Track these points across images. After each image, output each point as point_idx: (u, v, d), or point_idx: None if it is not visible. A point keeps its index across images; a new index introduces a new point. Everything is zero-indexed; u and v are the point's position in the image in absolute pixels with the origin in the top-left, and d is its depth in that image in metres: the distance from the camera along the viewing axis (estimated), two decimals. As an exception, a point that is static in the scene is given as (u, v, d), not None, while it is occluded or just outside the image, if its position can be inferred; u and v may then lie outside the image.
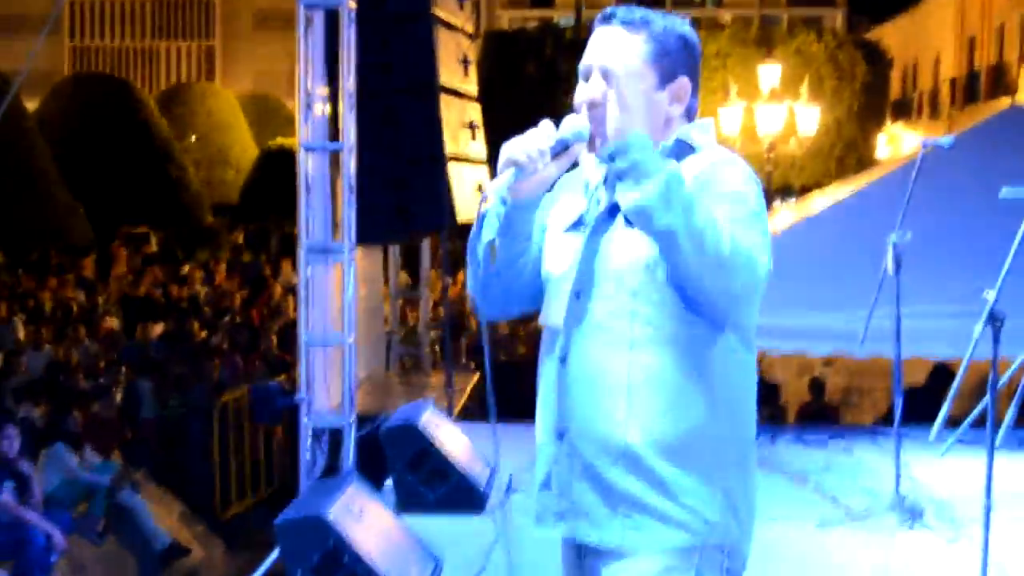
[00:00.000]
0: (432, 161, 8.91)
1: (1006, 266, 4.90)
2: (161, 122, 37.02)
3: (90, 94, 35.89)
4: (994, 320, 4.96)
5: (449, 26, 9.42)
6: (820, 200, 12.32)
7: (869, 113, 31.64)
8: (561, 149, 2.98)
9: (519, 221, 3.10)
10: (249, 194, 39.39)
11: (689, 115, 3.10)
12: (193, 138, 42.82)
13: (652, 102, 3.04)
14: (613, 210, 2.98)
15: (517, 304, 3.23)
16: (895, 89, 43.51)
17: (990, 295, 4.98)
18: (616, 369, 2.92)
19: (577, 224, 3.10)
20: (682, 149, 3.03)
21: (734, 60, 28.83)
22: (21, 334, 16.60)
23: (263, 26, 73.06)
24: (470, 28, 10.12)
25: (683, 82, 3.06)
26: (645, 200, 2.71)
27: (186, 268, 25.10)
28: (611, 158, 2.78)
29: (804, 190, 26.31)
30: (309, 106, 7.74)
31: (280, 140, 39.97)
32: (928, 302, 8.16)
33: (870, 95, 31.43)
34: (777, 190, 28.49)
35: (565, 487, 3.00)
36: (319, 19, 7.81)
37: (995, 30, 37.92)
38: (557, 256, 3.12)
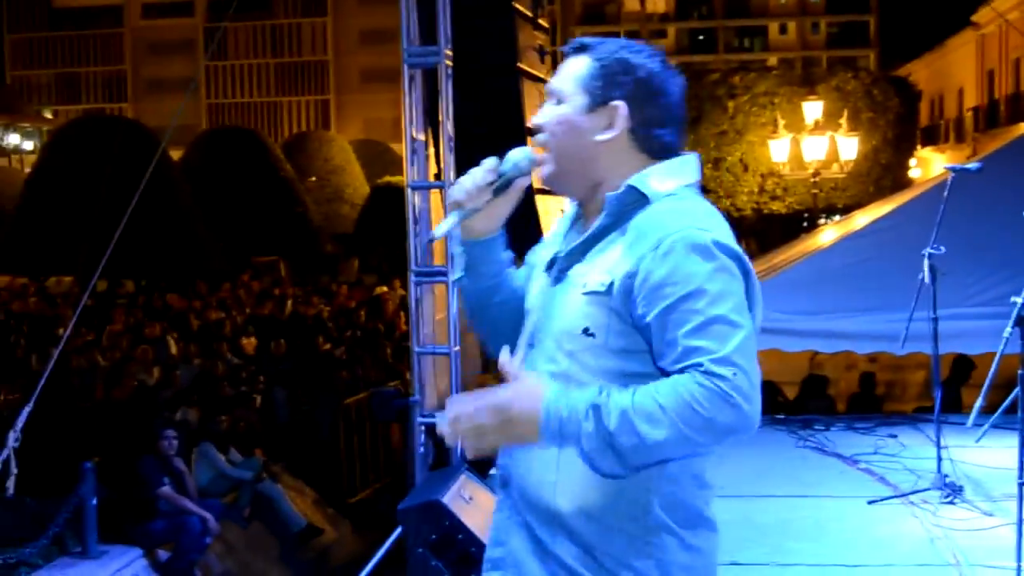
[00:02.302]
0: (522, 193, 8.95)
1: (1031, 273, 4.86)
2: (286, 166, 37.51)
3: (225, 144, 36.48)
4: (1021, 321, 4.92)
5: (533, 77, 9.46)
6: (861, 218, 12.20)
7: (901, 140, 31.32)
8: (503, 184, 2.63)
9: (480, 260, 2.71)
10: (362, 225, 39.74)
11: (655, 147, 2.55)
12: (313, 179, 43.28)
13: (575, 127, 2.55)
14: (569, 263, 2.58)
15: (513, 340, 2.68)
16: (924, 118, 43.04)
17: (1018, 300, 4.94)
18: None
19: (548, 265, 2.67)
20: (633, 199, 2.49)
21: (781, 98, 28.71)
22: (173, 350, 16.86)
23: (369, 80, 73.95)
24: (549, 78, 10.18)
25: (615, 107, 2.51)
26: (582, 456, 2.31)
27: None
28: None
29: (847, 209, 26.07)
30: (414, 151, 7.83)
31: (387, 178, 40.31)
32: (960, 306, 8.08)
33: (902, 124, 31.11)
34: (822, 209, 28.33)
35: (504, 535, 2.59)
36: (420, 76, 7.90)
37: (1012, 63, 37.34)
38: (530, 298, 2.69)
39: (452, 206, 2.60)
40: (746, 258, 2.42)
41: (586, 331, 2.45)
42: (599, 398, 2.28)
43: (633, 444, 2.24)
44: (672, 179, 2.51)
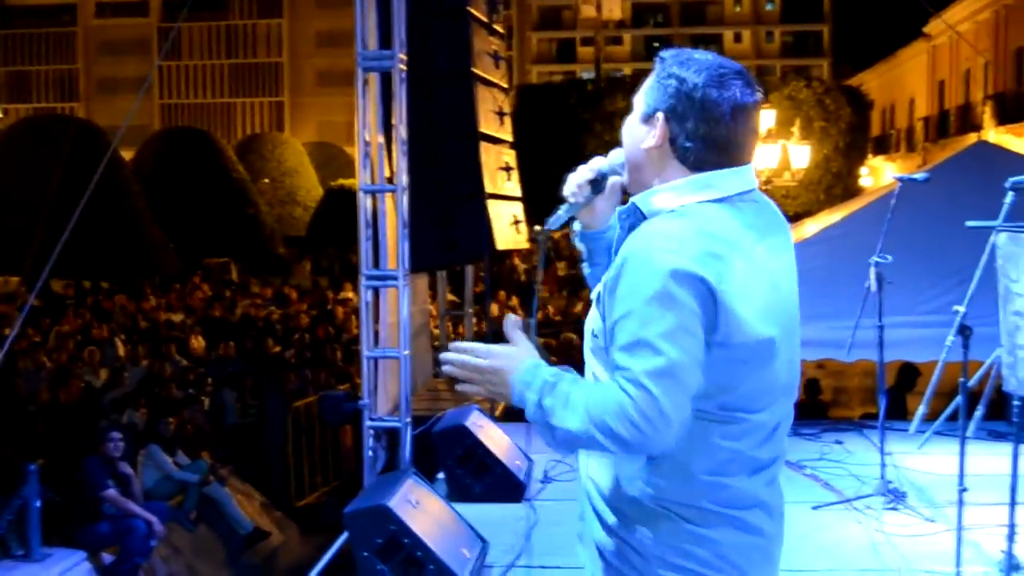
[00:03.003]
0: (473, 198, 8.95)
1: (973, 284, 4.91)
2: (238, 168, 37.34)
3: (177, 145, 36.29)
4: (964, 330, 4.98)
5: (487, 82, 9.47)
6: (811, 226, 12.30)
7: (853, 149, 31.59)
8: (597, 181, 2.85)
9: (595, 250, 2.96)
10: (315, 228, 39.67)
11: (691, 160, 2.61)
12: (266, 181, 43.12)
13: (631, 134, 2.72)
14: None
15: None
16: (875, 127, 43.43)
17: (960, 309, 4.99)
18: None
19: None
20: (638, 214, 2.66)
21: (734, 106, 28.87)
22: (121, 351, 16.74)
23: (324, 83, 73.72)
24: (505, 83, 10.18)
25: (657, 119, 2.62)
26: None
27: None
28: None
29: (797, 217, 26.20)
30: (367, 154, 7.80)
31: (341, 181, 40.32)
32: (906, 314, 8.16)
33: (853, 133, 31.38)
34: (773, 218, 28.44)
35: (581, 509, 2.81)
36: (378, 79, 7.87)
37: (962, 75, 37.82)
38: None
39: (566, 199, 2.85)
40: (716, 280, 2.44)
41: (593, 332, 2.67)
42: (552, 378, 2.51)
43: (554, 426, 2.49)
44: (685, 196, 2.60)
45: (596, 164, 2.85)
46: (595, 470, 2.71)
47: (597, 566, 2.72)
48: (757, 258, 2.56)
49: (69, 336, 17.75)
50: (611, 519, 2.66)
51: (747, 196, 2.65)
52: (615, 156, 2.81)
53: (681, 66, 2.61)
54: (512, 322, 2.67)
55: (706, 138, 2.59)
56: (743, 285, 2.48)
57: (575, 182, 2.84)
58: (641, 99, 2.68)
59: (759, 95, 2.64)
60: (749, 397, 2.56)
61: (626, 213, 2.69)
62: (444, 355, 2.64)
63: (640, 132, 2.67)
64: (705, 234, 2.50)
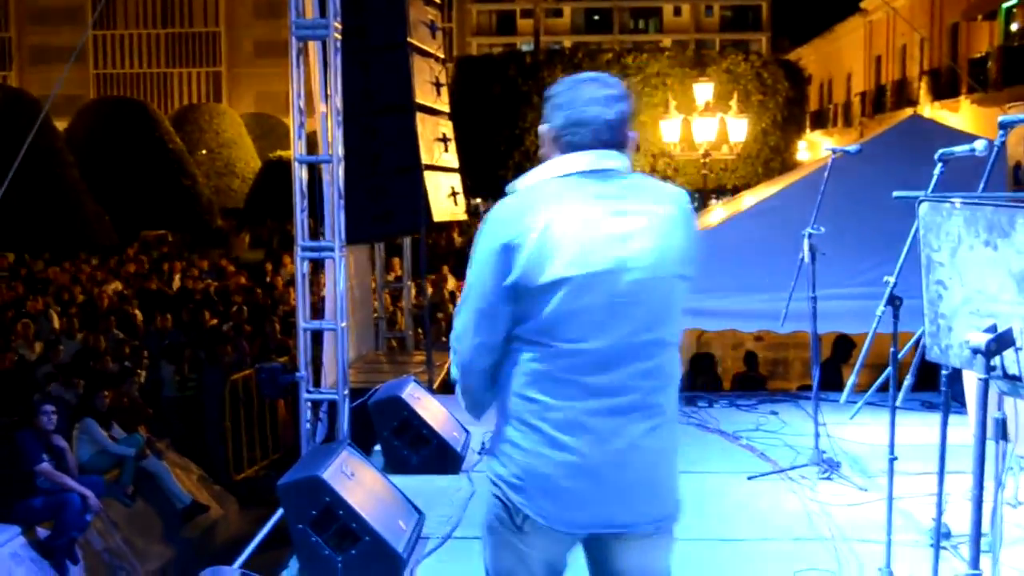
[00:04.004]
0: (410, 170, 8.91)
1: (903, 255, 4.95)
2: (175, 139, 36.90)
3: (112, 115, 35.77)
4: (894, 300, 5.01)
5: (423, 52, 9.42)
6: (748, 198, 12.34)
7: (791, 123, 31.75)
8: None
9: None
10: (253, 200, 39.40)
11: (566, 148, 3.20)
12: (203, 152, 42.69)
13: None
14: None
15: None
16: (813, 102, 43.71)
17: (890, 280, 5.03)
18: None
19: None
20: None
21: (673, 79, 28.92)
22: (56, 324, 16.54)
23: (262, 53, 72.99)
24: (441, 54, 10.12)
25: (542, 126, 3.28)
26: None
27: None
28: None
29: (735, 190, 26.42)
30: (302, 124, 7.72)
31: (279, 152, 39.97)
32: (838, 286, 8.22)
33: (791, 107, 31.54)
34: (712, 190, 28.55)
35: None
36: (319, 48, 7.79)
37: (898, 50, 38.11)
38: None
39: None
40: (515, 237, 3.04)
41: None
42: None
43: None
44: (537, 175, 3.20)
45: None
46: None
47: None
48: (583, 217, 3.07)
49: (3, 309, 17.50)
50: None
51: (602, 174, 3.17)
52: None
53: (554, 87, 3.27)
54: None
55: (566, 128, 3.19)
56: (551, 239, 3.02)
57: None
58: None
59: (615, 91, 3.24)
60: (553, 326, 3.07)
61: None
62: None
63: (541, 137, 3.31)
64: (518, 205, 3.11)
